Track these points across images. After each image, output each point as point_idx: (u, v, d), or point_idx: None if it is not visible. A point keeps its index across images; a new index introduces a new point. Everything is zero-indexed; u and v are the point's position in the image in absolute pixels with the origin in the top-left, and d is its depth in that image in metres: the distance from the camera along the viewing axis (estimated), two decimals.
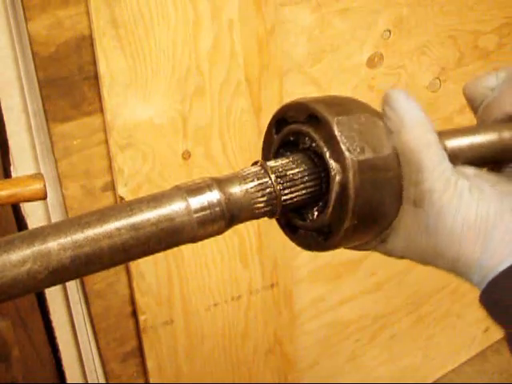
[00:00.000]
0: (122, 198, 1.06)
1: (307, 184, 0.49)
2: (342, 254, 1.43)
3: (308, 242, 0.52)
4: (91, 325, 1.20)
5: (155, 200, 0.44)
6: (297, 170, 0.49)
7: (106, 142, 1.03)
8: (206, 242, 0.47)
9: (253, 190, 0.47)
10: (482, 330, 1.93)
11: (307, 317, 1.47)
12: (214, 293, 1.24)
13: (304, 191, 0.49)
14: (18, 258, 0.39)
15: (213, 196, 0.46)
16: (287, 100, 0.52)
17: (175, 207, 0.44)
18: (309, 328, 1.49)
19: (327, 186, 0.48)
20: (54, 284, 0.41)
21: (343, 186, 0.47)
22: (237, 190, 0.47)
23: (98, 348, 1.21)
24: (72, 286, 1.17)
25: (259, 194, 0.47)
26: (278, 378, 1.42)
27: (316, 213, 0.50)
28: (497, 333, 1.97)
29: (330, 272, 1.46)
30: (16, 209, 1.10)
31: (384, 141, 0.48)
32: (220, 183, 0.47)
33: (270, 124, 0.54)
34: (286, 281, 1.33)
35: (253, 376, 1.37)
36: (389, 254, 0.53)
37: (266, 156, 0.54)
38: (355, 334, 1.60)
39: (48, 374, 1.24)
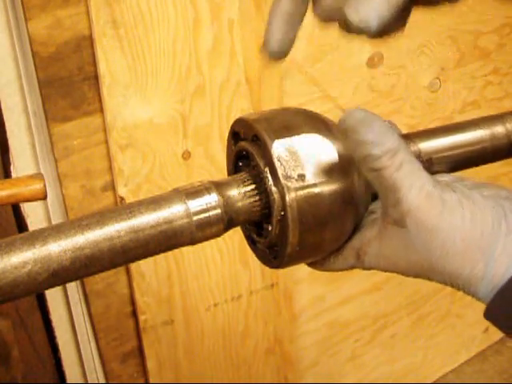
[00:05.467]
0: (121, 198, 1.06)
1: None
2: None
3: (262, 257, 0.51)
4: (91, 325, 1.19)
5: (154, 203, 0.44)
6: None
7: (106, 142, 1.03)
8: (205, 242, 0.47)
9: (250, 193, 0.47)
10: (481, 330, 1.92)
11: (307, 317, 1.47)
12: (214, 293, 1.24)
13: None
14: (19, 259, 0.40)
15: (211, 199, 0.46)
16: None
17: (174, 210, 0.44)
18: (309, 328, 1.49)
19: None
20: (54, 285, 0.42)
21: (282, 214, 0.45)
22: (235, 193, 0.47)
23: (98, 348, 1.21)
24: (72, 286, 1.17)
25: (257, 198, 0.47)
26: (277, 377, 1.42)
27: (269, 230, 0.48)
28: (497, 333, 1.97)
29: (330, 272, 1.45)
30: (16, 209, 1.10)
31: (330, 163, 0.46)
32: (218, 186, 0.47)
33: (228, 136, 0.53)
34: (285, 281, 1.33)
35: (253, 376, 1.37)
36: (369, 269, 0.50)
37: (228, 167, 0.54)
38: (355, 334, 1.60)
39: (48, 373, 1.24)
